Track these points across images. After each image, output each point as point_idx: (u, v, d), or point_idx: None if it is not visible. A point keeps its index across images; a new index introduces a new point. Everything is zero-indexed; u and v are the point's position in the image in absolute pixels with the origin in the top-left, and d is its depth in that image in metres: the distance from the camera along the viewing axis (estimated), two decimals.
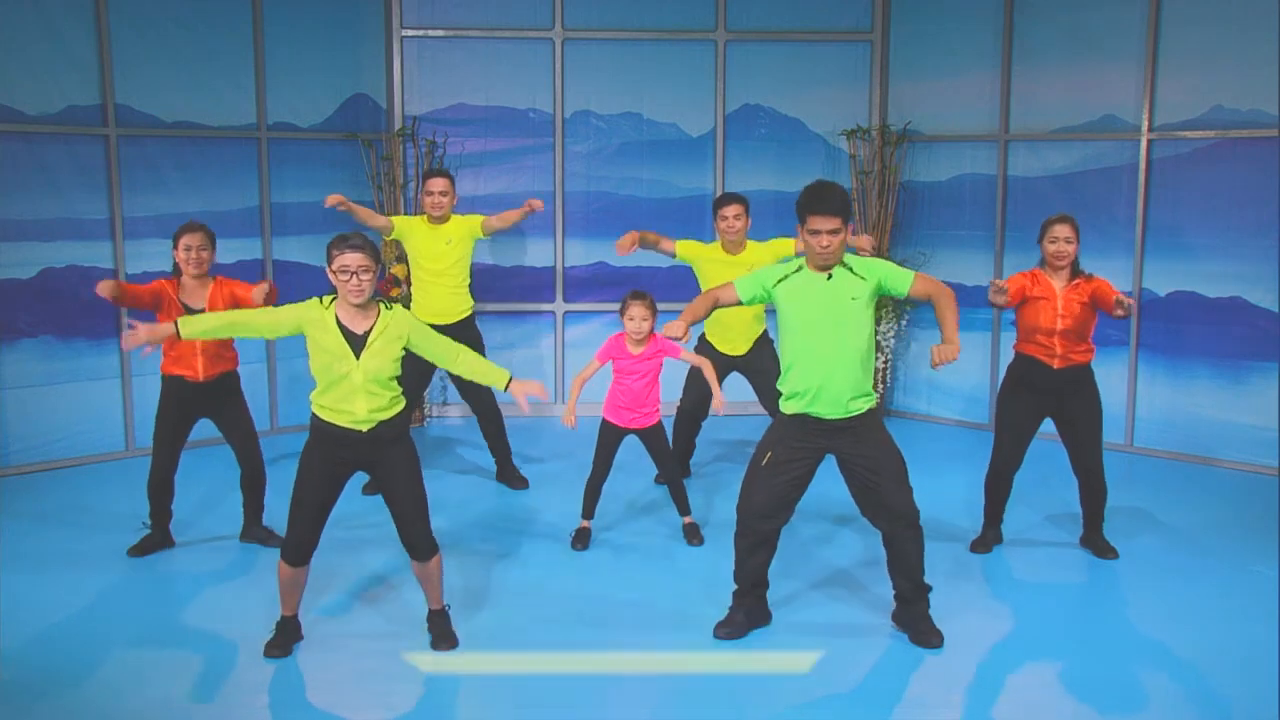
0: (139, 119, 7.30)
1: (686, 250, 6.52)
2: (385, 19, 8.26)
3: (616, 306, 8.45)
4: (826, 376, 4.45)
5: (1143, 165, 7.46)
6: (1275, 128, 6.96)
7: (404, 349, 4.40)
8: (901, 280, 4.48)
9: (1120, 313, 5.22)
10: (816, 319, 4.45)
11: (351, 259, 4.23)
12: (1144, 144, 7.44)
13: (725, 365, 6.46)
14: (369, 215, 6.68)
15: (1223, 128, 7.17)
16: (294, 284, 7.97)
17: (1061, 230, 5.43)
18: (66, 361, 7.17)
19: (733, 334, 6.43)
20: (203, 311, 5.40)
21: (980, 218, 8.23)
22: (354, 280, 4.24)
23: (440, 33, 8.32)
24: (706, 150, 8.50)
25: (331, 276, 4.28)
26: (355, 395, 4.31)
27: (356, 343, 4.30)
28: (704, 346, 6.53)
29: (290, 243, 7.96)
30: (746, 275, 4.64)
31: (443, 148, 8.21)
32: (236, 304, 5.56)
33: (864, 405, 4.52)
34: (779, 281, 4.51)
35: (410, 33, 8.29)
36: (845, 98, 8.47)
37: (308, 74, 7.93)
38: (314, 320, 4.31)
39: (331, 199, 6.55)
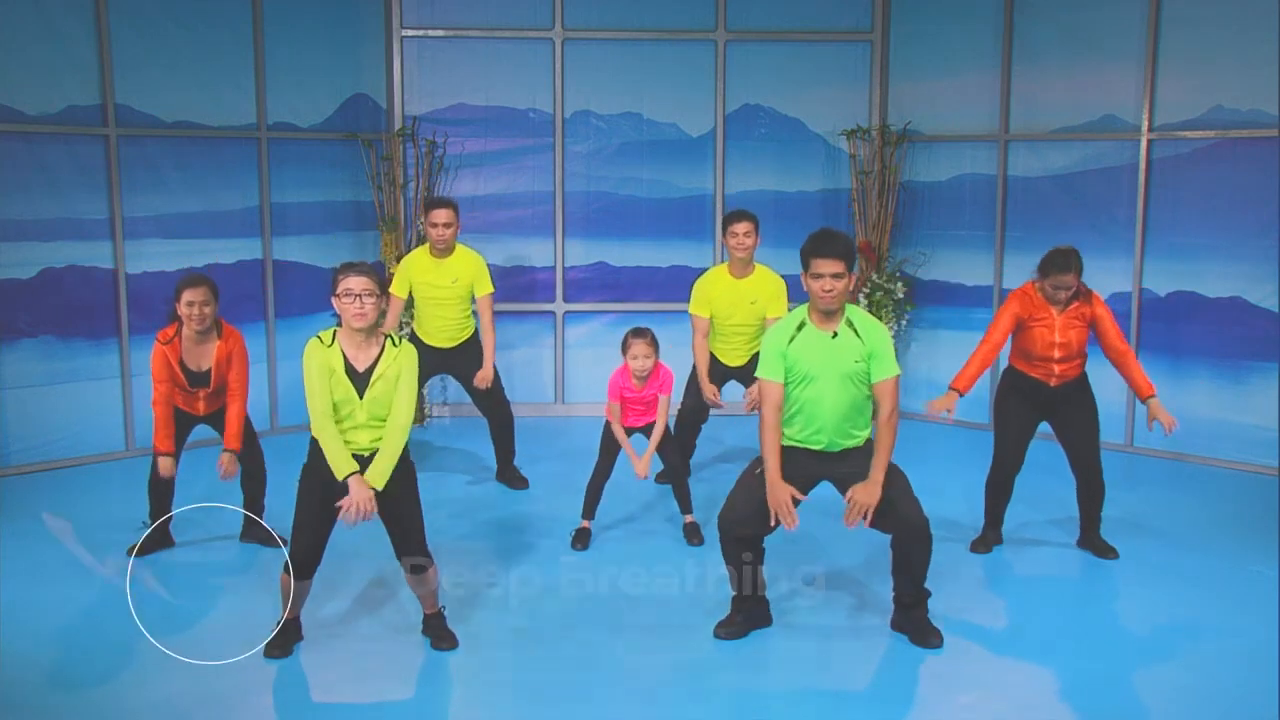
0: (139, 119, 7.30)
1: (700, 305, 6.36)
2: (385, 19, 8.26)
3: (617, 307, 8.52)
4: (825, 425, 4.51)
5: (1143, 165, 7.46)
6: (1275, 128, 6.96)
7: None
8: (885, 368, 4.48)
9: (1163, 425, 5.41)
10: (820, 376, 4.47)
11: (355, 282, 4.24)
12: (1144, 144, 7.44)
13: (725, 374, 6.50)
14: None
15: (1223, 128, 7.17)
16: (294, 284, 8.00)
17: (1066, 279, 5.32)
18: (66, 361, 7.17)
19: (732, 346, 6.42)
20: (207, 373, 5.42)
21: (980, 218, 8.23)
22: (357, 303, 4.22)
23: (440, 33, 8.32)
24: (706, 150, 8.50)
25: (336, 303, 4.28)
26: (358, 430, 4.33)
27: (359, 380, 4.30)
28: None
29: (290, 243, 7.96)
30: (764, 361, 4.55)
31: (443, 148, 8.21)
32: (224, 374, 5.47)
33: (859, 441, 4.56)
34: (789, 343, 4.51)
35: (410, 33, 8.29)
36: (845, 98, 8.47)
37: (308, 74, 7.93)
38: (325, 365, 4.28)
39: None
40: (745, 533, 4.59)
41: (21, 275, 6.98)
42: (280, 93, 7.83)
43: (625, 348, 5.63)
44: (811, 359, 4.48)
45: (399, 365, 4.34)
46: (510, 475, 6.85)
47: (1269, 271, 7.07)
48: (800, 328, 4.52)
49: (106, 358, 7.31)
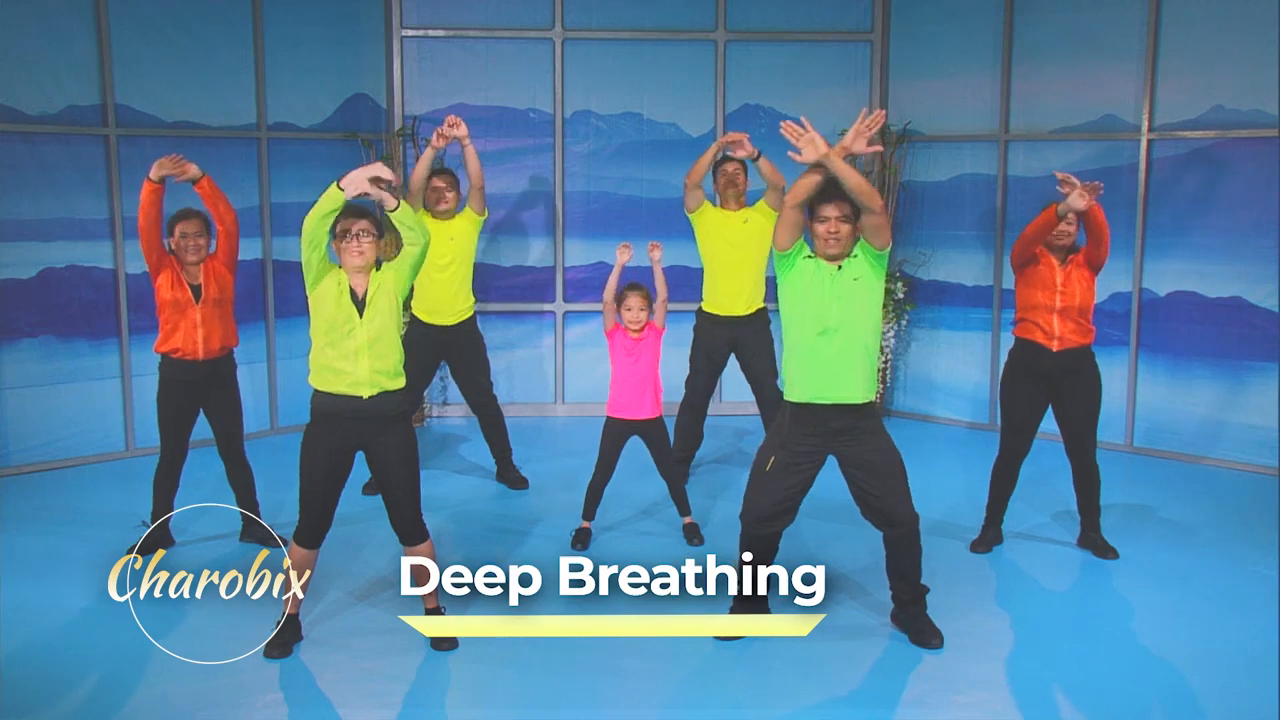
0: (139, 119, 7.30)
1: (704, 211, 6.57)
2: (385, 19, 8.26)
3: None
4: (833, 365, 4.47)
5: (1143, 165, 7.45)
6: (1275, 128, 6.96)
7: (400, 299, 4.53)
8: (862, 242, 4.49)
9: (1084, 202, 5.16)
10: (825, 309, 4.47)
11: (354, 223, 4.46)
12: (1144, 144, 7.44)
13: (723, 339, 6.53)
14: (419, 177, 6.54)
15: (1223, 128, 7.17)
16: (295, 284, 7.98)
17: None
18: (66, 361, 7.17)
19: (732, 285, 6.48)
20: (199, 286, 5.48)
21: (980, 218, 8.23)
22: (355, 243, 4.43)
23: (440, 33, 8.32)
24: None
25: (335, 244, 4.46)
26: (359, 354, 4.41)
27: (358, 302, 4.45)
28: (702, 320, 6.60)
29: (290, 243, 7.95)
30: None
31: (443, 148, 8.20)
32: (219, 277, 5.54)
33: (867, 395, 4.53)
34: (806, 256, 4.53)
35: (410, 33, 8.29)
36: (845, 98, 8.46)
37: (308, 74, 7.93)
38: (334, 276, 4.46)
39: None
40: (770, 530, 4.62)
41: (21, 275, 6.98)
42: (280, 93, 7.83)
43: (620, 300, 5.71)
44: (815, 287, 4.47)
45: (388, 278, 4.49)
46: (510, 475, 6.85)
47: (1269, 271, 7.07)
48: (812, 255, 4.53)
49: (106, 358, 7.31)
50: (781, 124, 4.42)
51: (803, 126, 4.36)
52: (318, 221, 4.41)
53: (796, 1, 8.43)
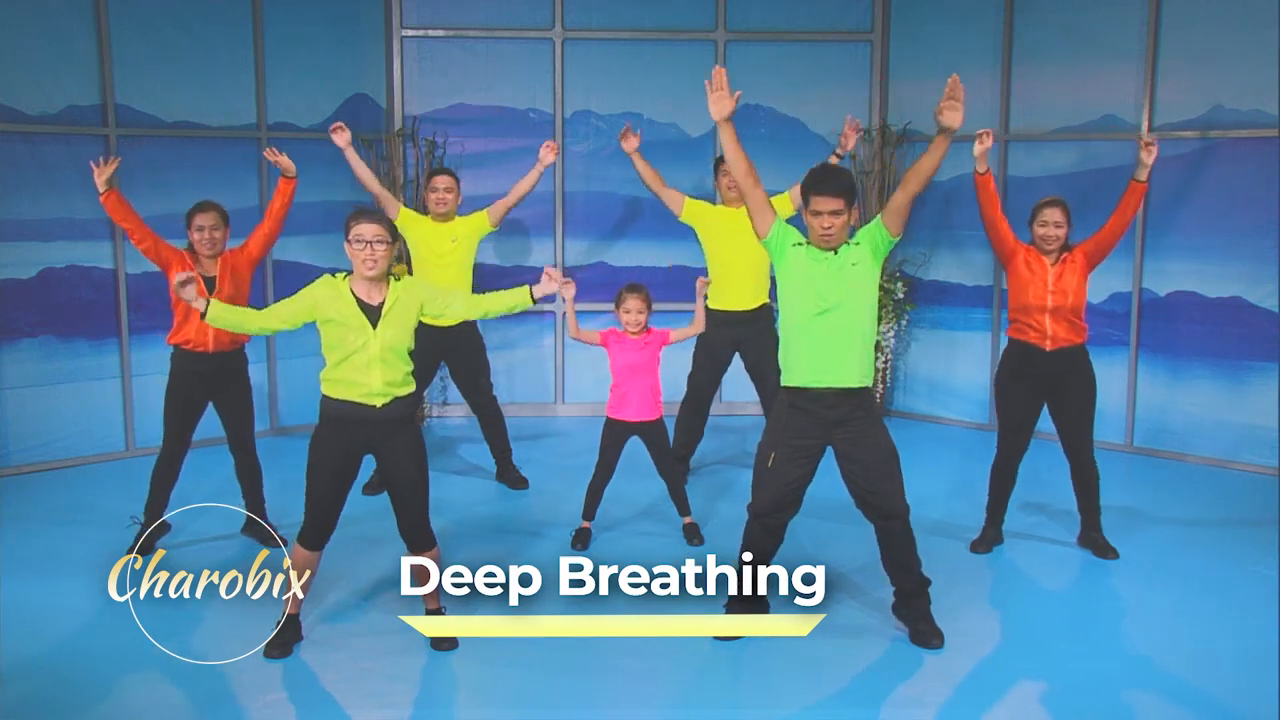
0: (139, 119, 7.30)
1: (694, 210, 6.57)
2: (385, 19, 8.26)
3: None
4: (830, 348, 4.48)
5: None
6: (1275, 128, 6.96)
7: (419, 318, 4.49)
8: (880, 224, 4.50)
9: (1147, 155, 5.47)
10: (822, 291, 4.47)
11: (367, 229, 4.35)
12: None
13: (727, 339, 6.50)
14: (370, 178, 6.52)
15: (1223, 128, 7.17)
16: (295, 284, 7.95)
17: (1051, 214, 5.45)
18: (66, 361, 7.17)
19: (740, 283, 6.46)
20: (213, 278, 5.50)
21: (980, 218, 8.20)
22: (368, 250, 4.33)
23: (440, 33, 8.32)
24: (706, 150, 8.49)
25: (347, 248, 4.38)
26: (371, 366, 4.36)
27: (372, 314, 4.38)
28: (708, 319, 6.58)
29: (290, 243, 7.94)
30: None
31: (443, 148, 8.21)
32: (236, 273, 5.57)
33: (864, 379, 4.54)
34: (795, 245, 4.54)
35: (410, 33, 8.30)
36: (845, 98, 8.46)
37: (308, 74, 7.93)
38: (326, 297, 4.40)
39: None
40: (778, 520, 4.65)
41: (21, 275, 6.99)
42: (280, 93, 7.83)
43: (619, 302, 5.67)
44: (811, 274, 4.48)
45: (411, 293, 4.46)
46: (510, 475, 6.85)
47: (1269, 271, 7.07)
48: (806, 243, 4.54)
49: (106, 358, 7.31)
50: (951, 79, 4.37)
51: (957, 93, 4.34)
52: (227, 320, 4.54)
53: (796, 1, 8.43)
